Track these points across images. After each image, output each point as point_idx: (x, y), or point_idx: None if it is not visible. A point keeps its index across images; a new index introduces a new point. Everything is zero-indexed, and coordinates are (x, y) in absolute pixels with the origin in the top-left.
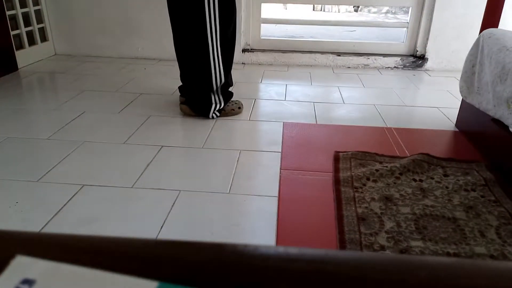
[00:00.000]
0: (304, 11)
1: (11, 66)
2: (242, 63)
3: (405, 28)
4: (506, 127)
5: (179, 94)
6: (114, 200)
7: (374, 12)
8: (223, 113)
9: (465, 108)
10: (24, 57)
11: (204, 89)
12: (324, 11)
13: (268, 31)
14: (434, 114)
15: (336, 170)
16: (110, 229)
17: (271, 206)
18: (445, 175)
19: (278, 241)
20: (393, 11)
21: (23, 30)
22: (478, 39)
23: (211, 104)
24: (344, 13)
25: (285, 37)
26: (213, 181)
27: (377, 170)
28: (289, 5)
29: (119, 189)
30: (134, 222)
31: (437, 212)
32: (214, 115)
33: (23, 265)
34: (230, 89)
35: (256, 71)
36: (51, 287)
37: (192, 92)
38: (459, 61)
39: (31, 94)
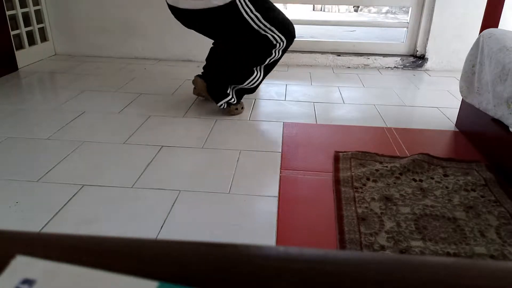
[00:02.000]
0: (304, 11)
1: (11, 66)
2: None
3: (405, 28)
4: (506, 127)
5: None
6: (114, 200)
7: (374, 12)
8: (228, 109)
9: (465, 108)
10: (24, 57)
11: (231, 83)
12: (324, 11)
13: None
14: (434, 114)
15: (336, 170)
16: (110, 229)
17: (271, 206)
18: (445, 175)
19: (278, 241)
20: (393, 11)
21: (23, 30)
22: (478, 39)
23: (227, 95)
24: (344, 13)
25: None
26: (213, 181)
27: (377, 170)
28: (289, 5)
29: (119, 189)
30: (134, 222)
31: (437, 212)
32: (223, 105)
33: (23, 265)
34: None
35: None
36: (51, 287)
37: (217, 78)
38: (459, 61)
39: (31, 94)
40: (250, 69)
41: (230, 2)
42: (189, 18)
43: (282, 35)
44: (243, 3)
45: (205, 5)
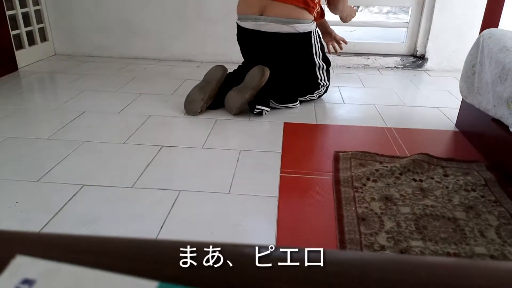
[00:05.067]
0: None
1: (11, 66)
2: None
3: (405, 28)
4: (506, 127)
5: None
6: (114, 200)
7: (375, 13)
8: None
9: (465, 108)
10: (24, 57)
11: (273, 99)
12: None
13: None
14: (434, 114)
15: (336, 170)
16: (110, 229)
17: (271, 206)
18: (445, 175)
19: (278, 241)
20: (394, 11)
21: (23, 30)
22: (478, 39)
23: (268, 106)
24: None
25: None
26: (213, 181)
27: (377, 170)
28: None
29: (119, 189)
30: (134, 222)
31: (437, 212)
32: (259, 111)
33: (23, 265)
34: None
35: None
36: (51, 287)
37: (265, 90)
38: (459, 61)
39: (31, 94)
40: (295, 97)
41: (309, 31)
42: (266, 41)
43: (327, 76)
44: (315, 36)
45: (289, 30)
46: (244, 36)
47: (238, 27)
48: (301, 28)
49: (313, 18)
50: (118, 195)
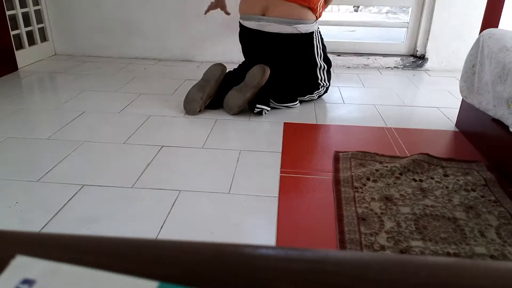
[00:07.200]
0: None
1: (11, 66)
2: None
3: (405, 28)
4: (506, 127)
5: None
6: (114, 200)
7: (375, 13)
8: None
9: (465, 108)
10: (24, 57)
11: (273, 98)
12: (324, 11)
13: None
14: (434, 114)
15: (336, 170)
16: (110, 229)
17: (271, 206)
18: (445, 175)
19: (278, 241)
20: (393, 11)
21: (23, 30)
22: (478, 39)
23: (268, 105)
24: (344, 13)
25: None
26: (213, 181)
27: (377, 170)
28: None
29: (119, 189)
30: (134, 222)
31: (437, 212)
32: (260, 110)
33: (23, 265)
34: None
35: None
36: (51, 287)
37: (265, 90)
38: (459, 61)
39: (31, 94)
40: (294, 97)
41: (311, 32)
42: (268, 40)
43: (327, 77)
44: (317, 37)
45: (292, 30)
46: (247, 35)
47: (241, 26)
48: (304, 28)
49: (315, 18)
50: (118, 195)
